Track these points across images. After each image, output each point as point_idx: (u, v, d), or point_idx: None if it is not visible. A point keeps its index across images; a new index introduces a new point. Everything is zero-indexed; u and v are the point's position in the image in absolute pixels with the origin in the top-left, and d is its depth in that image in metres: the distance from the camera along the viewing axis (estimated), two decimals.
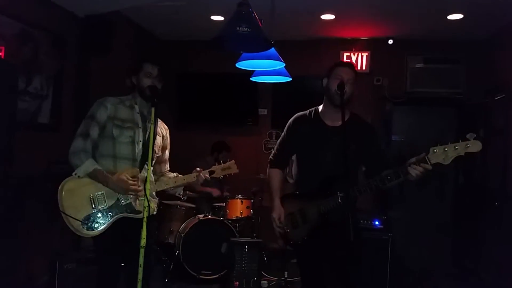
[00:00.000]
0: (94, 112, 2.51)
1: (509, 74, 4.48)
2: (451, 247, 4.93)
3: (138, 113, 2.60)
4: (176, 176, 2.72)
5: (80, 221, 2.38)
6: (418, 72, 5.27)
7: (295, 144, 2.69)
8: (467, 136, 2.18)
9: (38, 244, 3.70)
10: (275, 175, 2.76)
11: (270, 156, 2.84)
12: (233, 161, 2.78)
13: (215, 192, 5.05)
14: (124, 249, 2.52)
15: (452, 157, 2.19)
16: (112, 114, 2.51)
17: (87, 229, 2.39)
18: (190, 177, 2.68)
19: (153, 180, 2.66)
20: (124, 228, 2.47)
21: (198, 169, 2.70)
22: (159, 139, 2.69)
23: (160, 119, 2.73)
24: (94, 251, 2.68)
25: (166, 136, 2.79)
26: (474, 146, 2.16)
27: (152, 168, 2.64)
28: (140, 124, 2.59)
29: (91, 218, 2.40)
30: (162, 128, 2.76)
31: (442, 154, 2.19)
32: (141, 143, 2.57)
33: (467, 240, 4.87)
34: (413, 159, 2.24)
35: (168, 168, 2.84)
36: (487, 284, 4.39)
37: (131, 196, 2.49)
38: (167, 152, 2.80)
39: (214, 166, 2.75)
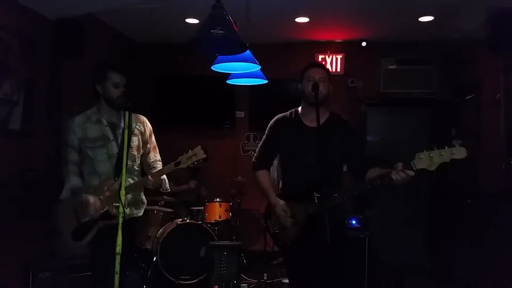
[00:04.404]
0: (67, 138, 2.65)
1: (478, 74, 4.62)
2: (427, 243, 5.03)
3: (106, 126, 2.63)
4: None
5: (71, 233, 2.57)
6: (391, 73, 5.37)
7: (277, 146, 2.71)
8: (453, 142, 2.19)
9: (11, 253, 3.60)
10: (263, 174, 2.75)
11: (253, 159, 2.82)
12: (199, 146, 2.54)
13: (191, 183, 5.02)
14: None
15: (437, 163, 2.18)
16: (82, 136, 2.61)
17: (76, 240, 2.58)
18: (142, 181, 2.65)
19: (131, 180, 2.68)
20: (107, 235, 2.49)
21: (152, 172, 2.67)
22: (135, 139, 2.69)
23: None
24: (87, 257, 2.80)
25: (145, 130, 2.77)
26: (460, 153, 2.16)
27: (138, 164, 2.74)
28: (111, 137, 2.63)
29: (78, 230, 2.57)
30: (139, 124, 2.75)
31: (428, 160, 2.19)
32: (117, 155, 2.61)
33: (441, 236, 4.98)
34: (400, 164, 2.24)
35: (157, 158, 2.84)
36: (461, 280, 4.50)
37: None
38: (149, 146, 2.80)
39: (179, 157, 2.55)
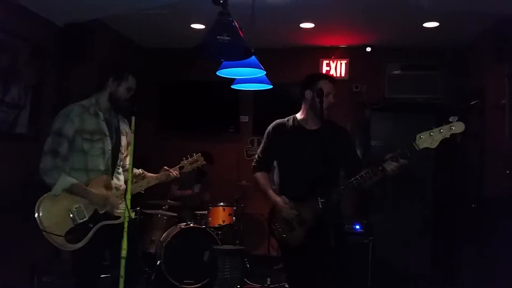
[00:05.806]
0: (61, 127, 2.44)
1: (483, 80, 4.62)
2: (431, 249, 5.01)
3: (103, 120, 2.58)
4: (142, 175, 2.78)
5: (63, 236, 2.39)
6: (395, 78, 5.36)
7: (276, 150, 2.74)
8: (450, 119, 2.27)
9: (15, 256, 3.62)
10: (261, 176, 2.79)
11: (253, 163, 2.86)
12: (199, 154, 2.92)
13: (196, 188, 5.06)
14: (111, 256, 2.56)
15: (438, 140, 2.27)
16: (80, 127, 2.47)
17: (71, 242, 2.41)
18: (163, 176, 2.75)
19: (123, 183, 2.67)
20: (106, 236, 2.48)
21: (165, 167, 2.77)
22: (123, 139, 2.69)
23: (139, 127, 2.69)
24: (73, 263, 2.61)
25: (128, 132, 2.76)
26: (458, 127, 2.25)
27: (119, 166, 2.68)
28: (107, 133, 2.58)
29: (74, 232, 2.42)
30: (126, 125, 2.77)
31: (429, 138, 2.27)
32: (110, 151, 2.57)
33: (446, 242, 4.96)
34: (389, 155, 2.33)
35: (128, 163, 2.82)
36: (466, 286, 4.48)
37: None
38: (129, 148, 2.77)
39: (182, 162, 2.86)
